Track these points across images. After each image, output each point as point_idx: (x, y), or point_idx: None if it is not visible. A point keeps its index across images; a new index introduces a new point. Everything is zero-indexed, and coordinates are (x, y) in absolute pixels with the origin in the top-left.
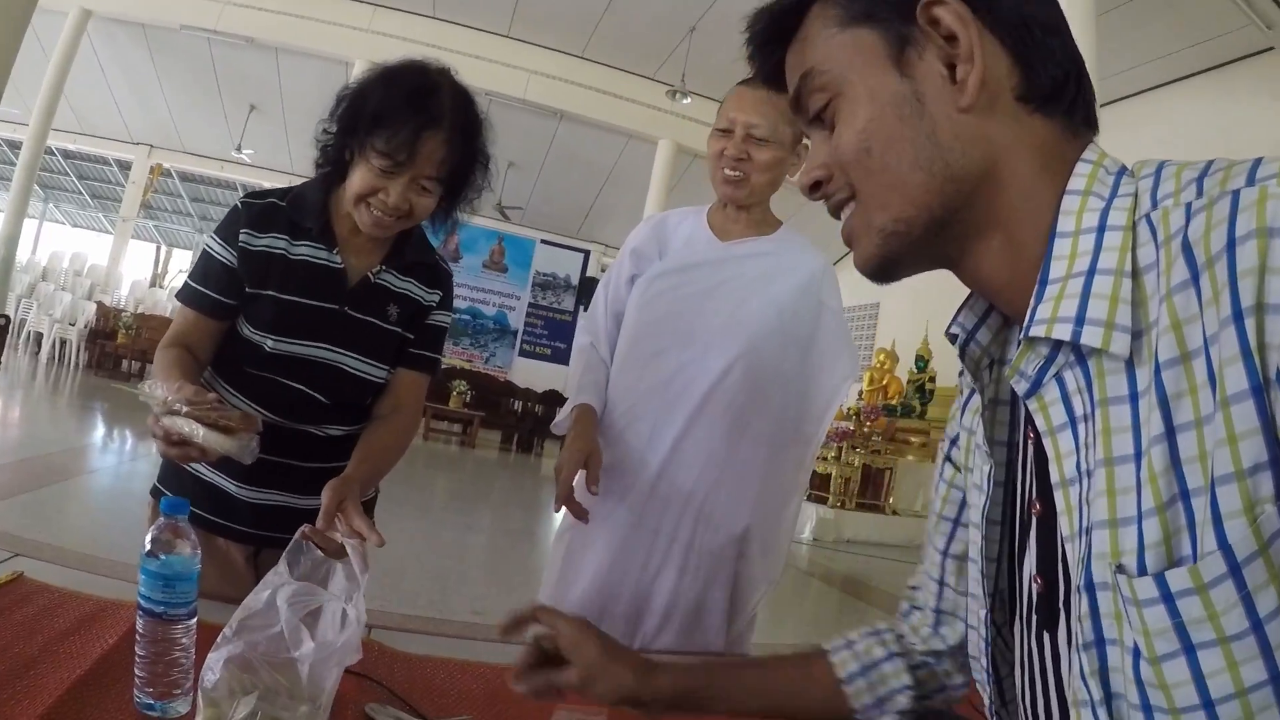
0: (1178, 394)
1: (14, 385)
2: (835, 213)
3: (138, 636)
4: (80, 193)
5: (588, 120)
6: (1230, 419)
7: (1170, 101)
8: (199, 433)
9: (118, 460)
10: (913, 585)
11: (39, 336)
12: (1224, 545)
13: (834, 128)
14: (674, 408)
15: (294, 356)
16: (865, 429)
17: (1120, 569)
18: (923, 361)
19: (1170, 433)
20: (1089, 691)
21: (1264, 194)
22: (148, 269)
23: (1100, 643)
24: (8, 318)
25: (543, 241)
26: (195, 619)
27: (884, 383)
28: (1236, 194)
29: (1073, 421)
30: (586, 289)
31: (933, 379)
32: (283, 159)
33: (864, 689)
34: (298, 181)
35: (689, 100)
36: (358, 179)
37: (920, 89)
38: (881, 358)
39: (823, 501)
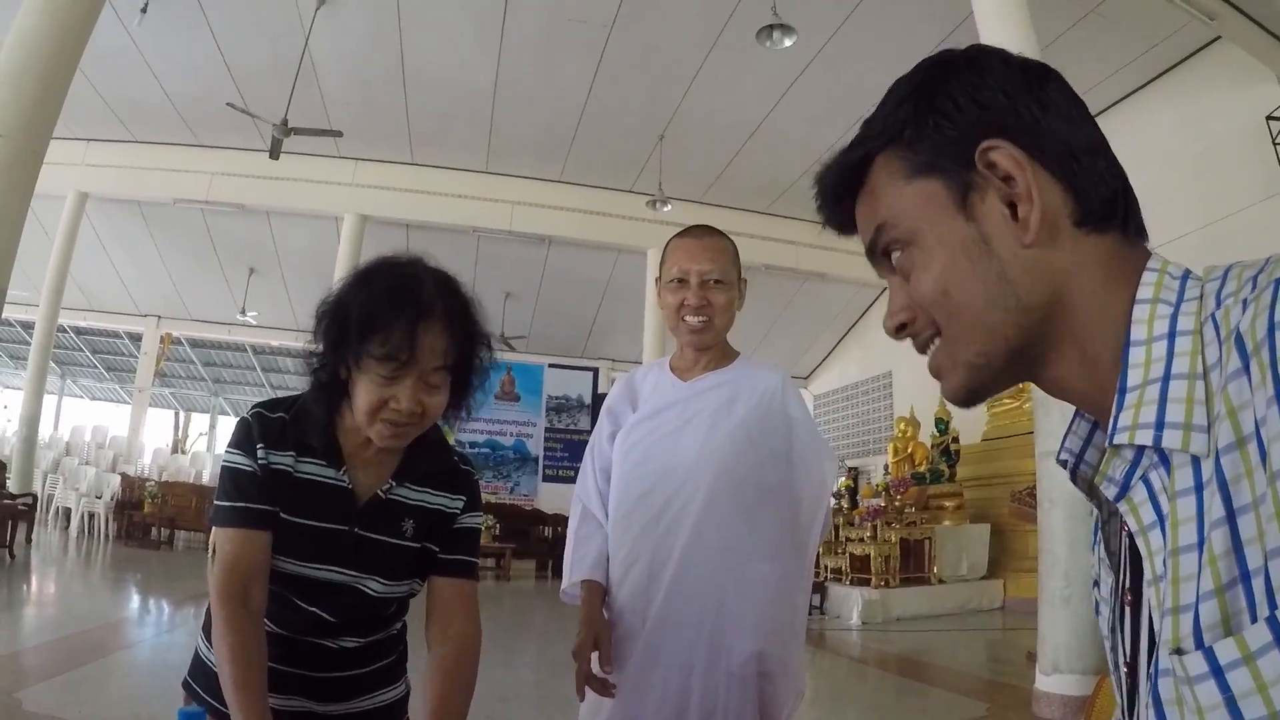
0: (1236, 477)
1: (46, 561)
2: (922, 349)
3: None
4: (95, 366)
5: (575, 241)
6: (1278, 494)
7: (1134, 113)
8: None
9: (155, 632)
10: None
11: (67, 511)
12: (1270, 617)
13: (909, 274)
14: (667, 541)
15: (303, 577)
16: (897, 503)
17: (1179, 651)
18: (943, 424)
19: (1230, 516)
20: None
21: None
22: (168, 435)
23: None
24: (35, 496)
25: (551, 365)
26: None
27: (909, 451)
28: (1277, 282)
29: (1160, 519)
30: (599, 406)
31: (956, 439)
32: (286, 317)
33: None
34: (303, 341)
35: (670, 207)
36: (363, 394)
37: (986, 231)
38: (902, 426)
39: (866, 583)
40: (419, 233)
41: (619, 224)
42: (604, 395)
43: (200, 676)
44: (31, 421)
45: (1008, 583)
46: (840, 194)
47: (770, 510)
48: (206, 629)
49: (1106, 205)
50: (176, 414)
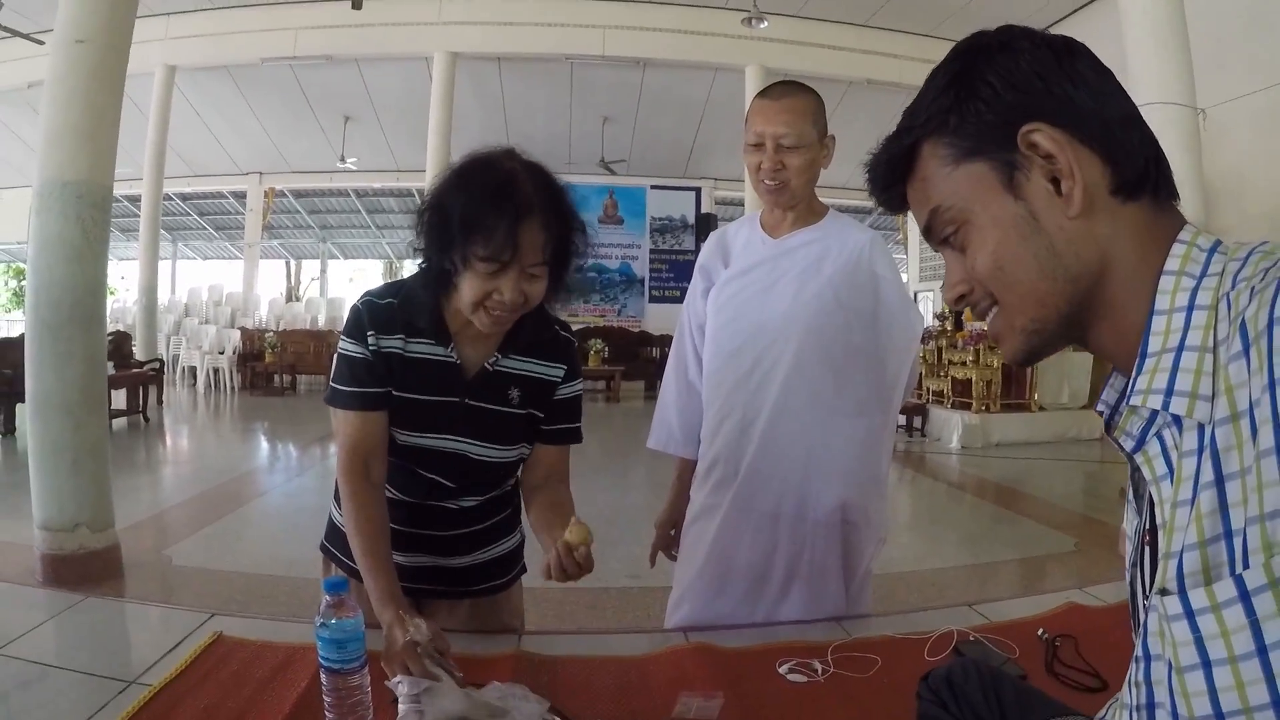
0: (1227, 447)
1: (178, 421)
2: (981, 317)
3: (322, 688)
4: (204, 228)
5: (671, 62)
6: (1260, 470)
7: None
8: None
9: (285, 478)
10: None
11: (193, 369)
12: (1237, 575)
13: (964, 249)
14: (758, 397)
15: (421, 447)
16: None
17: (1164, 592)
18: None
19: (1219, 480)
20: (1131, 697)
21: None
22: (281, 285)
23: (1147, 657)
24: (162, 360)
25: (653, 187)
26: (366, 667)
27: None
28: None
29: (1170, 472)
30: (703, 226)
31: None
32: (385, 160)
33: None
34: (404, 180)
35: (766, 23)
36: (467, 288)
37: (1033, 208)
38: None
39: (966, 407)
40: (511, 65)
41: (715, 42)
42: (708, 214)
43: (335, 539)
44: (150, 290)
45: None
46: (892, 181)
47: (856, 369)
48: (338, 496)
49: (1141, 173)
50: (288, 263)
